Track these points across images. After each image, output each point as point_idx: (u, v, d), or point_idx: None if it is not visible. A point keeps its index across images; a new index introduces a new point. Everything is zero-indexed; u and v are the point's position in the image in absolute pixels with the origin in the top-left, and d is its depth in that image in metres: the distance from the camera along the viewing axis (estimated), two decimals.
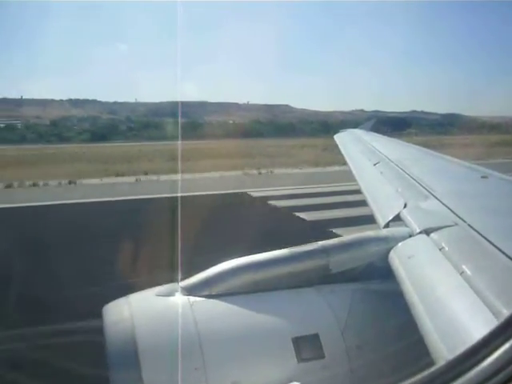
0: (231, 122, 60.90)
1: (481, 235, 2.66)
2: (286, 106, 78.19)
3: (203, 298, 2.66)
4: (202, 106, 67.94)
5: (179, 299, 2.65)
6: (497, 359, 1.15)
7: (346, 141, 9.97)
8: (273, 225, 13.21)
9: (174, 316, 2.50)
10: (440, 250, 2.60)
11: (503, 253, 2.36)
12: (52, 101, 66.38)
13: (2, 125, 55.40)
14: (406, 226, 3.22)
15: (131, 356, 2.32)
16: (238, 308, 2.61)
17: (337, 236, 3.49)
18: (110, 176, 27.50)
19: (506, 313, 1.76)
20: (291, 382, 2.41)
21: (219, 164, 30.07)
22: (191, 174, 25.72)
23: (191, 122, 55.71)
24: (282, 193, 20.46)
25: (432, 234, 2.85)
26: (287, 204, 18.08)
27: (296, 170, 31.25)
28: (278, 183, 23.77)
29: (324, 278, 2.88)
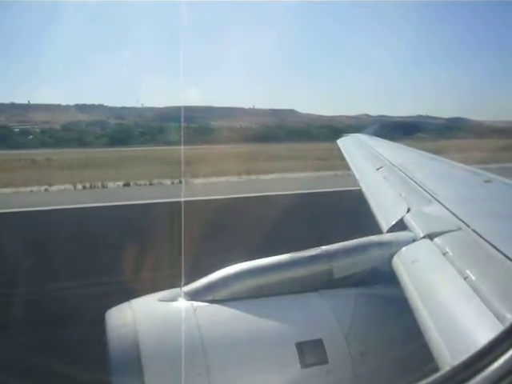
0: (239, 126, 60.85)
1: (484, 240, 2.64)
2: (292, 110, 78.19)
3: (206, 303, 2.65)
4: (208, 110, 67.98)
5: (182, 304, 2.65)
6: (502, 365, 1.14)
7: (349, 145, 9.96)
8: None
9: (177, 321, 2.49)
10: (444, 254, 2.59)
11: (507, 257, 2.34)
12: (59, 106, 66.60)
13: (16, 129, 55.25)
14: (410, 230, 3.21)
15: (134, 361, 2.31)
16: (242, 313, 2.60)
17: None
18: (216, 176, 26.17)
19: (510, 318, 1.75)
20: None
21: (292, 166, 29.19)
22: (281, 173, 25.45)
23: (201, 126, 55.66)
24: None
25: (436, 239, 2.84)
26: None
27: None
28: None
29: (327, 282, 2.88)
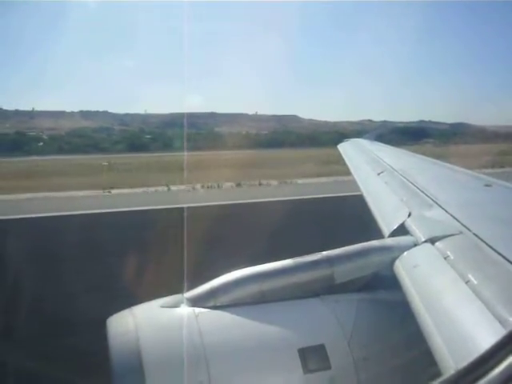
0: (244, 132, 60.83)
1: (486, 243, 2.64)
2: (294, 116, 78.17)
3: (208, 310, 2.65)
4: (212, 116, 68.08)
5: (184, 310, 2.64)
6: (505, 369, 1.14)
7: (350, 150, 9.96)
8: None
9: (179, 327, 2.49)
10: (445, 258, 2.59)
11: (508, 261, 2.34)
12: (63, 112, 66.56)
13: (28, 136, 54.64)
14: (411, 235, 3.21)
15: (136, 368, 2.31)
16: (244, 319, 2.60)
17: None
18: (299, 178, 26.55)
19: None
20: None
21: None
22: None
23: (209, 132, 55.61)
24: None
25: (437, 243, 2.84)
26: None
27: None
28: None
29: (329, 288, 2.87)
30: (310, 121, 74.39)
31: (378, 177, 6.13)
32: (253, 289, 2.77)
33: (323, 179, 25.51)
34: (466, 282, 2.24)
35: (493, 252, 2.51)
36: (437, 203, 3.89)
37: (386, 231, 3.63)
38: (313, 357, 2.47)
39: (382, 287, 2.89)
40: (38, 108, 67.55)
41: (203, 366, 2.35)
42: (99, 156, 42.08)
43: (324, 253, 2.98)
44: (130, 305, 2.73)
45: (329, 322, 2.65)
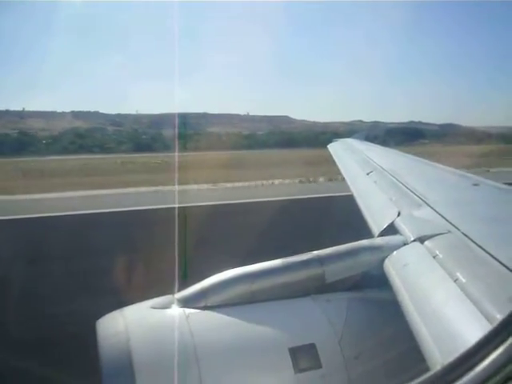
0: (238, 132, 60.84)
1: (474, 242, 2.68)
2: (286, 116, 78.25)
3: (199, 310, 2.64)
4: (204, 117, 67.83)
5: (175, 311, 2.63)
6: (491, 364, 1.16)
7: (340, 150, 10.00)
8: None
9: (169, 328, 2.48)
10: (434, 257, 2.62)
11: (496, 259, 2.38)
12: (54, 113, 65.58)
13: (26, 135, 53.45)
14: (401, 234, 3.24)
15: (126, 370, 2.29)
16: (235, 319, 2.60)
17: None
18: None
19: (499, 318, 1.78)
20: None
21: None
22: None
23: (207, 133, 55.43)
24: None
25: (426, 242, 2.87)
26: None
27: None
28: None
29: (319, 287, 2.89)
30: (302, 121, 74.54)
31: (368, 176, 6.17)
32: (244, 289, 2.77)
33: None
34: (455, 281, 2.26)
35: (481, 251, 2.54)
36: (426, 202, 3.93)
37: (376, 231, 3.66)
38: (304, 356, 2.48)
39: (372, 286, 2.91)
40: (29, 108, 66.64)
41: (194, 367, 2.34)
42: (110, 156, 41.61)
43: (314, 252, 3.00)
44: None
45: (319, 321, 2.67)
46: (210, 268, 2.96)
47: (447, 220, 3.22)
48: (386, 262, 2.85)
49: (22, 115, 64.25)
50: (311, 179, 26.16)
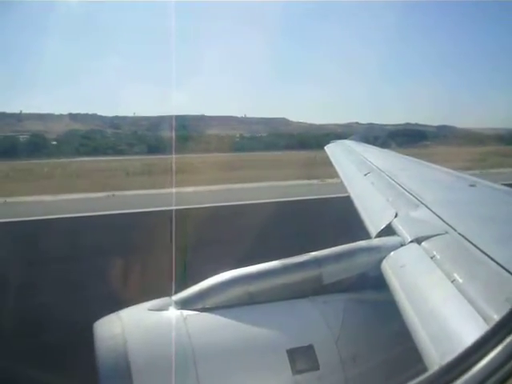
0: (238, 134, 60.80)
1: (471, 243, 2.68)
2: (283, 118, 78.17)
3: (197, 312, 2.64)
4: (202, 119, 67.71)
5: (172, 313, 2.62)
6: (488, 363, 1.16)
7: (337, 152, 10.01)
8: None
9: (167, 331, 2.47)
10: (431, 258, 2.62)
11: (493, 260, 2.38)
12: (51, 115, 65.21)
13: (23, 138, 52.85)
14: (398, 235, 3.24)
15: (123, 372, 2.28)
16: (232, 321, 2.59)
17: None
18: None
19: (496, 319, 1.78)
20: None
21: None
22: None
23: (208, 135, 55.29)
24: None
25: (423, 243, 2.87)
26: None
27: None
28: None
29: (317, 288, 2.88)
30: (299, 123, 74.55)
31: (365, 177, 6.17)
32: (241, 290, 2.76)
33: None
34: (452, 281, 2.27)
35: (478, 251, 2.55)
36: (423, 203, 3.94)
37: (373, 232, 3.66)
38: (301, 357, 2.48)
39: (369, 287, 2.91)
40: (26, 111, 66.31)
41: (192, 369, 2.33)
42: (125, 158, 41.16)
43: (312, 254, 3.00)
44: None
45: (317, 322, 2.66)
46: (208, 270, 2.96)
47: (444, 221, 3.22)
48: (384, 262, 2.86)
49: (19, 118, 63.96)
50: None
